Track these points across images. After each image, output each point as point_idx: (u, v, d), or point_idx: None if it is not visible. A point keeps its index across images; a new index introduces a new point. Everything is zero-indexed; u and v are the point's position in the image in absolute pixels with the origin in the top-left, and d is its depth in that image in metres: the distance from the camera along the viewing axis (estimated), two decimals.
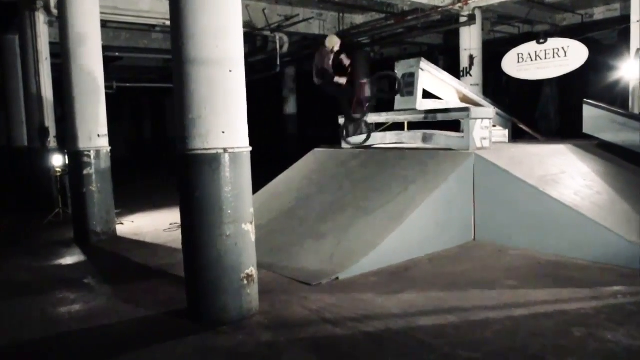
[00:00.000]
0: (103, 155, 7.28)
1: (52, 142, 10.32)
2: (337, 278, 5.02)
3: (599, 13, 14.23)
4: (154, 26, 12.33)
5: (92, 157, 7.13)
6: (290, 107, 18.69)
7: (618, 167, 7.10)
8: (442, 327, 3.81)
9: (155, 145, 27.67)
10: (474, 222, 6.35)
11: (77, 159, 7.13)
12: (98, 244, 7.05)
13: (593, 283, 4.67)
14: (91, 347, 3.82)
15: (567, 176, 6.30)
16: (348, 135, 8.16)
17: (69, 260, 6.37)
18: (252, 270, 4.10)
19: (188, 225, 4.01)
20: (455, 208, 6.20)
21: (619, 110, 7.70)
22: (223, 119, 3.84)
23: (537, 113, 15.89)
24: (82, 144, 7.07)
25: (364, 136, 8.11)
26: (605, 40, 14.54)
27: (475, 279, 4.95)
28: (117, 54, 13.45)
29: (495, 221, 6.18)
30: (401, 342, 3.58)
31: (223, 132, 3.84)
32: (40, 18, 10.05)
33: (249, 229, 4.06)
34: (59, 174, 9.04)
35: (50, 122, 10.28)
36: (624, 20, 12.49)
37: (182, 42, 3.81)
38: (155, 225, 8.22)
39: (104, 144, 7.31)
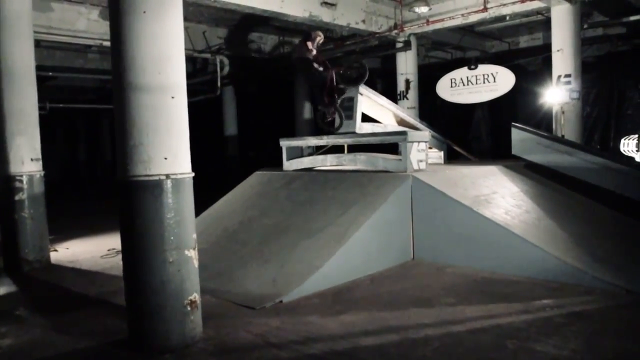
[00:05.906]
0: (36, 180, 7.02)
1: None
2: (281, 301, 5.05)
3: (524, 41, 15.21)
4: (90, 46, 12.07)
5: (24, 182, 6.86)
6: (231, 129, 18.57)
7: (544, 187, 7.56)
8: (384, 347, 3.92)
9: (91, 168, 26.76)
10: (412, 242, 6.57)
11: (8, 184, 6.84)
12: (31, 273, 6.75)
13: (524, 297, 4.94)
14: None
15: (498, 196, 6.65)
16: (324, 119, 8.33)
17: None
18: (196, 296, 4.08)
19: (129, 252, 3.95)
20: (394, 229, 6.40)
21: (544, 134, 8.22)
22: (165, 146, 3.84)
23: (470, 134, 16.63)
24: (14, 169, 6.80)
25: (305, 159, 8.27)
26: (530, 66, 15.50)
27: (415, 297, 5.12)
28: (50, 73, 13.00)
29: (433, 241, 6.42)
30: None
31: (165, 159, 3.84)
32: None
33: (192, 255, 4.04)
34: None
35: None
36: (546, 48, 13.40)
37: (123, 68, 3.79)
38: (92, 252, 7.94)
39: (37, 168, 7.06)
